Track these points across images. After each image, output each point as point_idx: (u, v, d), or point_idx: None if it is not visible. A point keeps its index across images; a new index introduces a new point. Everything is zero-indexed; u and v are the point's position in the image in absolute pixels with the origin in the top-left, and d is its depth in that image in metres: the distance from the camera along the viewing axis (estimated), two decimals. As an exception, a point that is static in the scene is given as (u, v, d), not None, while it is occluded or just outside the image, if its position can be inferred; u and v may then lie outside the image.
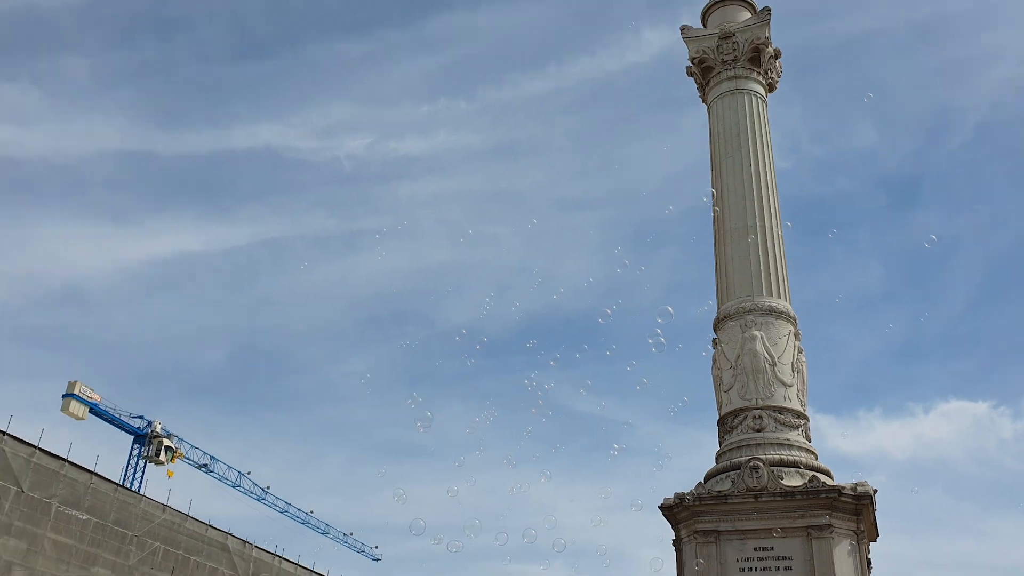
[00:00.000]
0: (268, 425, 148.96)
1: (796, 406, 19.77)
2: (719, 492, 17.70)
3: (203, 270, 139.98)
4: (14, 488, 47.57)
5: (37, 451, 49.70)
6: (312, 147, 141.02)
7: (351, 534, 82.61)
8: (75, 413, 59.56)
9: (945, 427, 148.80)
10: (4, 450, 47.53)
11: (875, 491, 17.38)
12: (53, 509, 49.63)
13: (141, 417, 65.80)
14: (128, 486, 60.15)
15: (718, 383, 20.20)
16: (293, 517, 77.86)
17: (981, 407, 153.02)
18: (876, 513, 17.50)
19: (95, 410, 61.62)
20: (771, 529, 16.49)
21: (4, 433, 47.90)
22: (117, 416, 64.04)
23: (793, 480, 17.57)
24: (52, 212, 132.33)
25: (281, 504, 76.40)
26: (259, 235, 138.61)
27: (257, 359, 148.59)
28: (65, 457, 51.51)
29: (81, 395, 60.24)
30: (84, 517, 51.30)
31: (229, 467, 71.91)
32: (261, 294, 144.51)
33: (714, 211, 22.04)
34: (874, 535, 18.26)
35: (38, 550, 48.26)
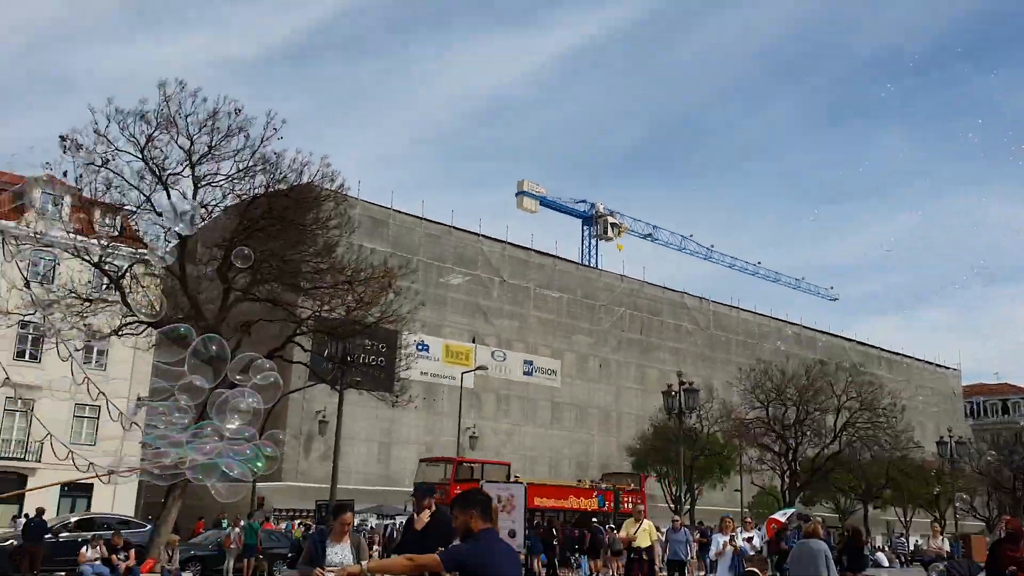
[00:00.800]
0: (700, 190, 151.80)
1: None
2: None
3: (605, 56, 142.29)
4: (497, 279, 55.22)
5: (507, 245, 56.69)
6: None
7: (803, 279, 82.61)
8: (528, 208, 66.18)
9: None
10: (482, 248, 55.00)
11: None
12: (532, 291, 56.87)
13: (584, 201, 70.97)
14: (586, 264, 66.16)
15: None
16: (741, 270, 79.72)
17: None
18: None
19: (544, 202, 67.74)
20: None
21: (479, 235, 55.22)
22: (564, 204, 69.80)
23: None
24: (459, 33, 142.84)
25: (728, 259, 78.48)
26: (648, 6, 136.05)
27: (676, 129, 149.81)
28: (531, 246, 58.09)
29: (530, 191, 66.56)
30: (557, 295, 58.02)
31: (672, 232, 75.24)
32: (667, 65, 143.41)
33: None
34: None
35: (528, 326, 56.11)
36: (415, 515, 8.32)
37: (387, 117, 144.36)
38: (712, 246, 77.15)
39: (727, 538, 12.94)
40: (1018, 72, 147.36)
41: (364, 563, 4.85)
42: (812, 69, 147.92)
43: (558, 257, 59.86)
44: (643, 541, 14.43)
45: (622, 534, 16.19)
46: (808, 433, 44.77)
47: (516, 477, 33.21)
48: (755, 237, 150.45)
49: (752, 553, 13.20)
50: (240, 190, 21.98)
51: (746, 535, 14.08)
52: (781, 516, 26.18)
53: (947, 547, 21.38)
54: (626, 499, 33.82)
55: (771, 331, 70.80)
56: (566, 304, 58.46)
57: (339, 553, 7.49)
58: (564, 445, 55.59)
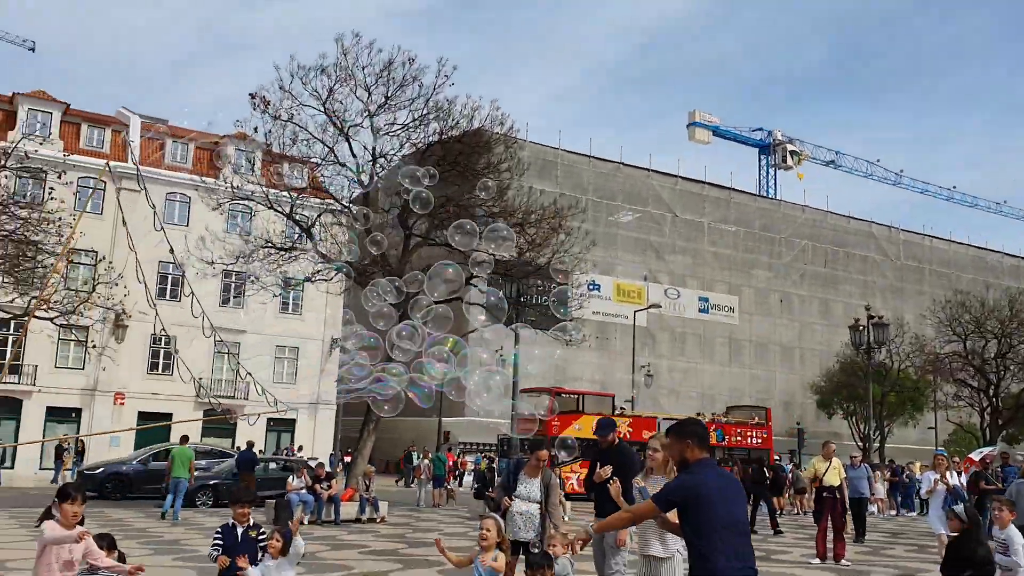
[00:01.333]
0: (887, 109, 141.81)
1: None
2: None
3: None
4: (670, 215, 54.27)
5: (679, 179, 55.48)
6: None
7: (1004, 202, 76.39)
8: (701, 139, 64.28)
9: None
10: (653, 184, 54.10)
11: None
12: (706, 226, 55.54)
13: (760, 129, 68.06)
14: (764, 195, 63.75)
15: None
16: (936, 195, 74.51)
17: None
18: None
19: (717, 132, 65.56)
20: None
21: (649, 170, 54.31)
22: (738, 133, 67.28)
23: None
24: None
25: (919, 185, 73.49)
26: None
27: (857, 44, 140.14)
28: (704, 179, 56.59)
29: (702, 120, 64.56)
30: (733, 229, 56.38)
31: (856, 158, 71.08)
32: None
33: None
34: None
35: (703, 262, 54.97)
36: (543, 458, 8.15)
37: (552, 54, 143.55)
38: (901, 171, 72.55)
39: (938, 476, 12.38)
40: None
41: (591, 526, 4.88)
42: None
43: (734, 189, 58.02)
44: (833, 480, 14.09)
45: (807, 472, 15.83)
46: (1012, 367, 41.70)
47: (621, 409, 32.81)
48: (948, 159, 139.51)
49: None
50: (416, 139, 22.63)
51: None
52: (976, 455, 24.68)
53: None
54: (749, 432, 32.60)
55: (969, 260, 65.93)
56: (743, 238, 56.75)
57: (529, 487, 7.79)
58: (744, 382, 54.53)
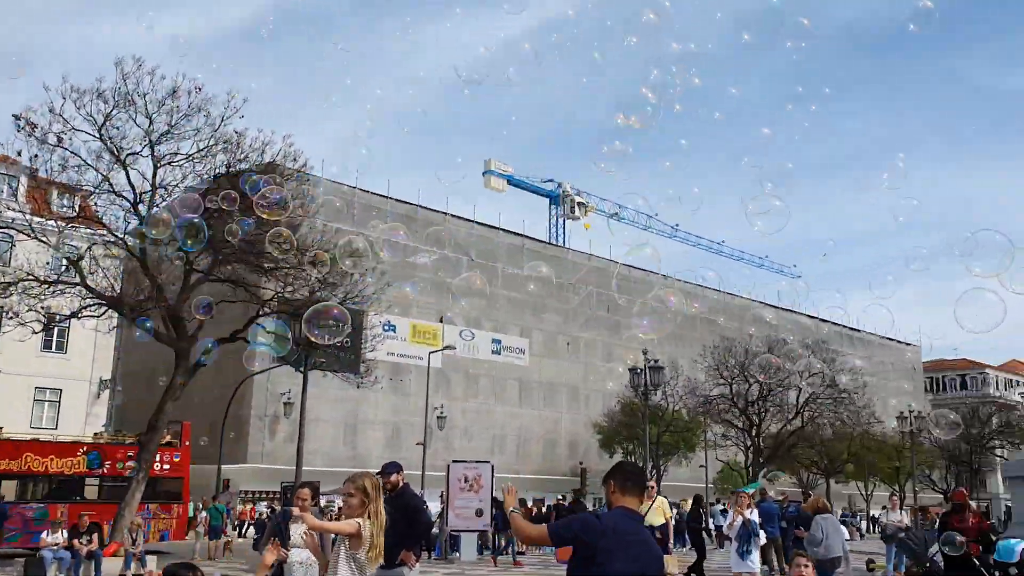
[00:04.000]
0: (668, 171, 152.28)
1: None
2: None
3: (568, 38, 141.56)
4: (465, 258, 55.15)
5: (475, 224, 56.60)
6: None
7: (766, 257, 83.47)
8: (496, 187, 66.03)
9: None
10: (450, 227, 54.86)
11: None
12: (500, 270, 56.90)
13: (551, 180, 71.00)
14: (554, 243, 66.25)
15: None
16: (706, 248, 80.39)
17: None
18: None
19: (511, 181, 67.66)
20: None
21: (447, 214, 55.05)
22: (530, 183, 69.77)
23: None
24: (425, 10, 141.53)
25: (692, 238, 79.05)
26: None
27: (638, 107, 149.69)
28: (498, 225, 58.07)
29: (497, 170, 66.40)
30: (525, 274, 58.09)
31: (637, 212, 75.57)
32: (627, 46, 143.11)
33: None
34: None
35: (495, 306, 56.18)
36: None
37: (353, 97, 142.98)
38: (677, 225, 77.63)
39: (741, 511, 13.01)
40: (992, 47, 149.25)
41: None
42: (778, 44, 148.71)
43: (526, 236, 59.94)
44: (655, 519, 14.38)
45: None
46: (771, 409, 45.41)
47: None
48: (718, 216, 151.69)
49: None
50: (201, 170, 21.69)
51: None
52: (748, 491, 26.58)
53: (906, 519, 21.79)
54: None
55: (735, 309, 71.53)
56: (534, 283, 58.61)
57: (300, 531, 7.48)
58: (533, 423, 55.93)
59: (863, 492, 59.58)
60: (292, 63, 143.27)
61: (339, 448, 45.91)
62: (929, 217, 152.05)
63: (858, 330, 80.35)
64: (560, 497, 33.74)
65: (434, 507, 23.97)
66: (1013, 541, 11.02)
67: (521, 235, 59.34)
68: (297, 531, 7.53)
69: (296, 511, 7.47)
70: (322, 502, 17.34)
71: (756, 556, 12.87)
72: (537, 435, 56.01)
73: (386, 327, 42.69)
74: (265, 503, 37.19)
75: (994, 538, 12.37)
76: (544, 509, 33.00)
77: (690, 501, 28.49)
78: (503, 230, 58.17)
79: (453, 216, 55.26)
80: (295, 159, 22.91)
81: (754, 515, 13.40)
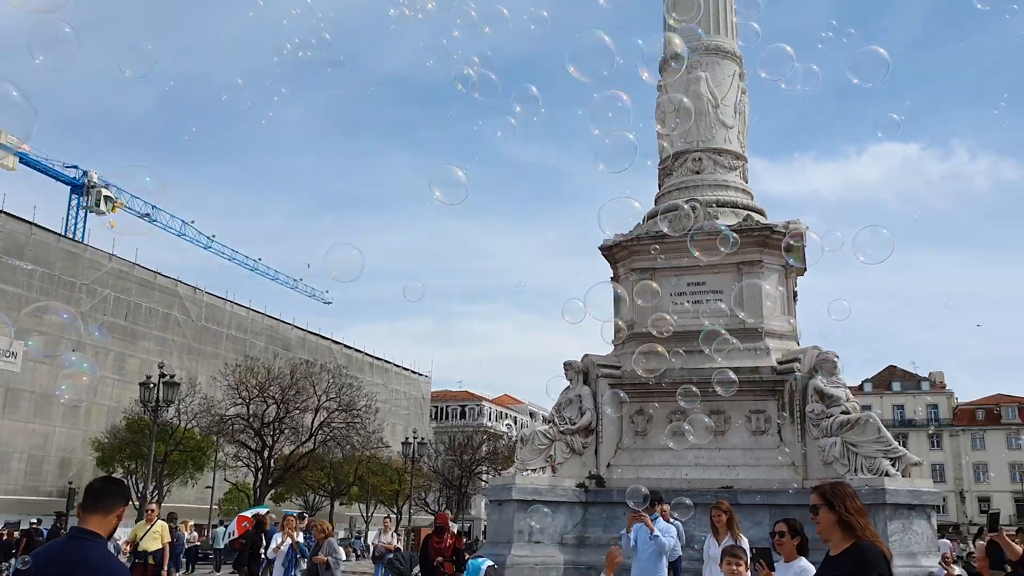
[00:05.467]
0: (207, 175, 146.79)
1: (736, 148, 19.87)
2: (656, 232, 18.16)
3: (120, 14, 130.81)
4: (-49, 239, 46.99)
5: (-31, 202, 48.60)
6: None
7: (301, 279, 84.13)
8: (4, 163, 57.61)
9: (876, 168, 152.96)
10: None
11: (807, 228, 17.98)
12: (-5, 259, 49.46)
13: (76, 167, 64.04)
14: (71, 236, 59.70)
15: (661, 127, 20.02)
16: (242, 264, 78.69)
17: (911, 149, 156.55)
18: (805, 250, 18.13)
19: (26, 160, 59.57)
20: (704, 265, 17.01)
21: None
22: (50, 166, 62.17)
23: (728, 219, 18.01)
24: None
25: (228, 252, 76.91)
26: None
27: (187, 107, 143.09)
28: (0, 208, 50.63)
29: (8, 144, 57.96)
30: (29, 267, 51.29)
31: (172, 216, 71.46)
32: (184, 39, 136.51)
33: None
34: (802, 270, 19.12)
35: (-14, 299, 48.64)
36: None
37: None
38: (214, 236, 75.10)
39: (289, 534, 12.77)
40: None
41: None
42: (330, 80, 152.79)
43: (35, 224, 53.08)
44: (151, 545, 13.40)
45: (129, 535, 14.82)
46: (286, 431, 45.60)
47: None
48: (257, 232, 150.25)
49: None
50: None
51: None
52: (249, 513, 26.18)
53: (397, 542, 23.18)
54: None
55: (264, 328, 70.95)
56: (38, 278, 51.99)
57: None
58: (19, 437, 49.30)
59: (364, 514, 62.41)
60: None
61: None
62: (448, 262, 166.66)
63: (379, 358, 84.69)
64: (35, 521, 30.05)
65: None
66: (480, 560, 12.27)
67: (28, 222, 52.44)
68: None
69: None
70: None
71: None
72: (21, 450, 49.50)
73: None
74: None
75: (468, 556, 13.72)
76: (16, 534, 29.09)
77: (191, 523, 27.24)
78: (6, 213, 50.91)
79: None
80: None
81: (301, 537, 13.51)
